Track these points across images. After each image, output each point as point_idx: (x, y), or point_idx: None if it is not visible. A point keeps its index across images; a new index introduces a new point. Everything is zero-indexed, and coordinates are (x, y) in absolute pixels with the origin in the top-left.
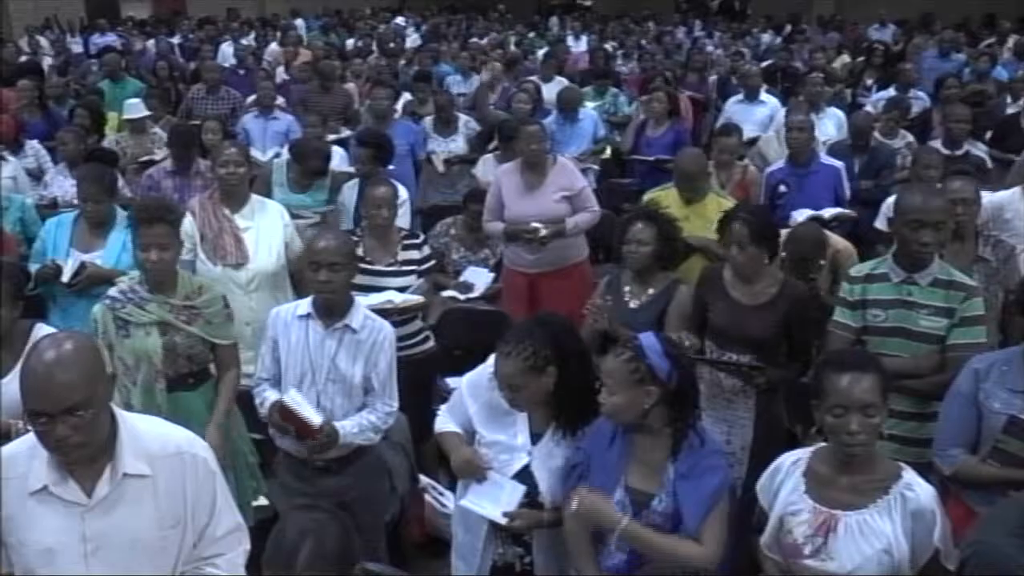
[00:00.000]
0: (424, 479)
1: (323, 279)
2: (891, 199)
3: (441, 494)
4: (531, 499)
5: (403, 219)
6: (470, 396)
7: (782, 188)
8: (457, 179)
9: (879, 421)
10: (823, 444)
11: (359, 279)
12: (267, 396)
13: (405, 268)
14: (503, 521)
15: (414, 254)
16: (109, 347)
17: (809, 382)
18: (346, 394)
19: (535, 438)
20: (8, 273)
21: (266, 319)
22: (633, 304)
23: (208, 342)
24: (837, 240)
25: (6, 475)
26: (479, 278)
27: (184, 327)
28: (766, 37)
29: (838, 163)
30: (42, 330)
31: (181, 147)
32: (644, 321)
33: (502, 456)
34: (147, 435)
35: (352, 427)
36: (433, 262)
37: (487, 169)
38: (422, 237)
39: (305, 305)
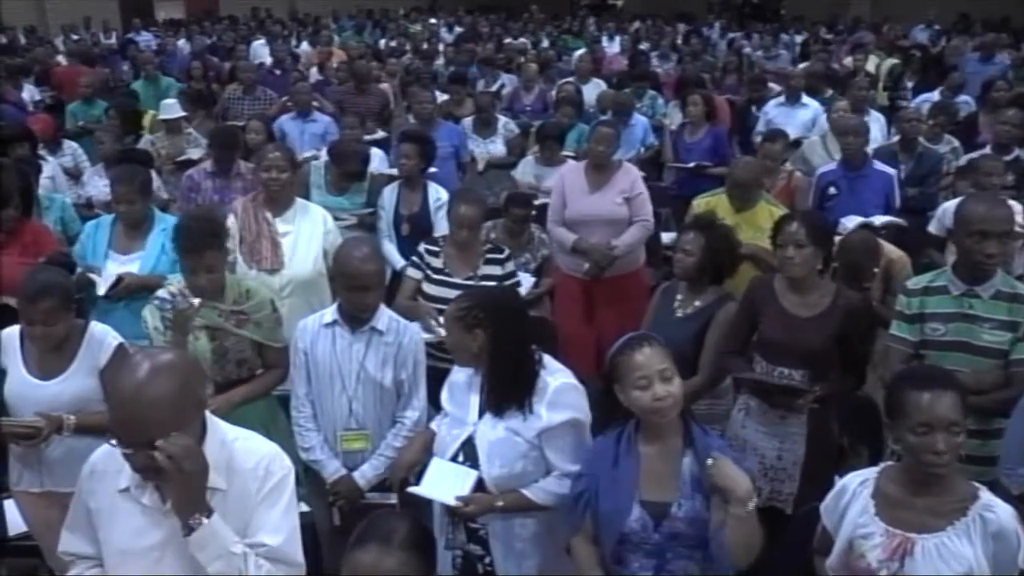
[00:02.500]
0: None
1: (358, 302)
2: (947, 204)
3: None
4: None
5: (443, 221)
6: (452, 375)
7: (832, 190)
8: (495, 182)
9: (963, 440)
10: (889, 464)
11: (435, 290)
12: (314, 445)
13: (484, 283)
14: (455, 504)
15: (495, 270)
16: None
17: (855, 397)
18: (377, 398)
19: (483, 413)
20: (57, 287)
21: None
22: (680, 314)
23: (257, 346)
24: (891, 249)
25: (104, 468)
26: (520, 283)
27: (234, 331)
28: (799, 38)
29: (891, 170)
30: (95, 329)
31: (223, 148)
32: (685, 333)
33: (454, 430)
34: (230, 447)
35: (376, 469)
36: (517, 279)
37: (526, 170)
38: (506, 252)
39: (330, 313)
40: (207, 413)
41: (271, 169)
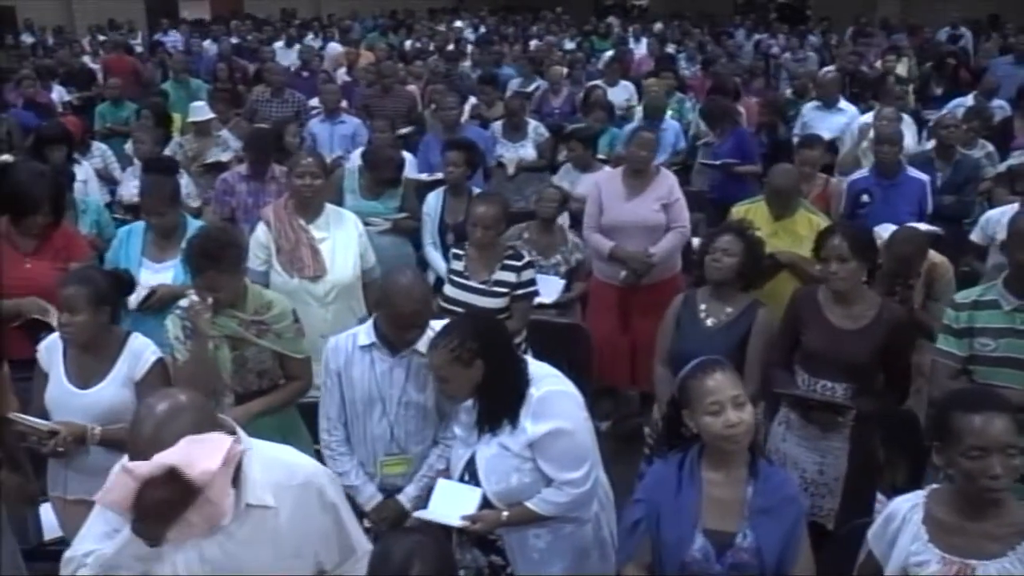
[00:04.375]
0: None
1: (406, 336)
2: (991, 213)
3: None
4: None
5: None
6: None
7: (864, 198)
8: (524, 185)
9: (1019, 461)
10: (937, 487)
11: (452, 292)
12: (349, 470)
13: (496, 289)
14: (461, 525)
15: (510, 277)
16: (181, 355)
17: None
18: (420, 419)
19: (482, 432)
20: (87, 278)
21: (343, 330)
22: (710, 322)
23: (278, 357)
24: (934, 253)
25: None
26: (550, 287)
27: (254, 340)
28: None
29: (924, 176)
30: (136, 341)
31: (258, 152)
32: (724, 344)
33: (460, 450)
34: (275, 464)
35: (420, 491)
36: (532, 289)
37: (563, 176)
38: (525, 260)
39: (365, 334)
40: (240, 431)
41: (304, 176)
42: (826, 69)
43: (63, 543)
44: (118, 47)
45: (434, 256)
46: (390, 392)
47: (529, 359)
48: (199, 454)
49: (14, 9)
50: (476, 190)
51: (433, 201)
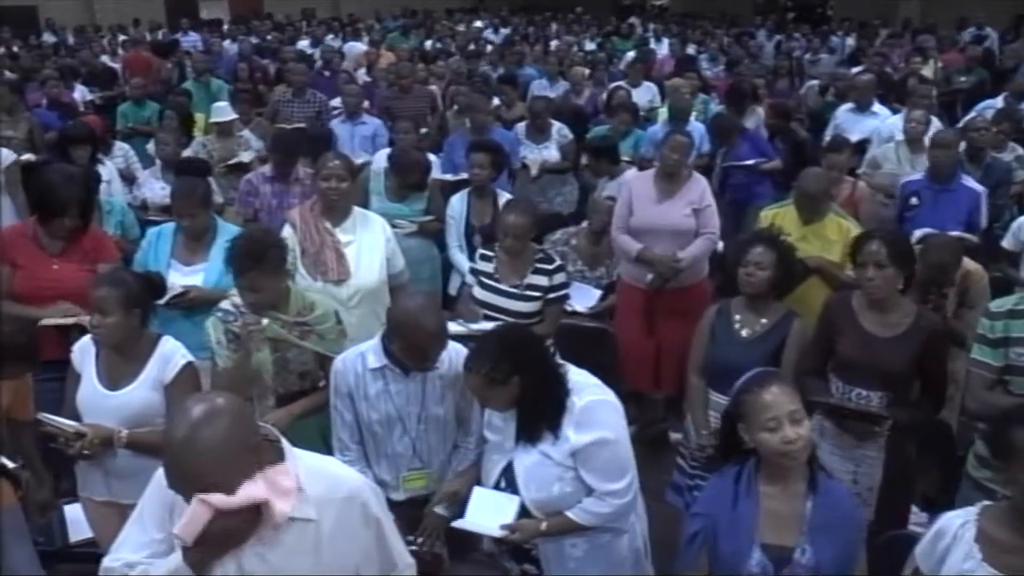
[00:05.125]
0: None
1: (421, 362)
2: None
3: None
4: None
5: None
6: None
7: (914, 200)
8: (548, 187)
9: None
10: (989, 504)
11: (482, 295)
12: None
13: (528, 293)
14: (501, 534)
15: (542, 280)
16: (223, 359)
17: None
18: (441, 432)
19: (520, 439)
20: (118, 280)
21: (367, 335)
22: (745, 333)
23: (320, 358)
24: (968, 261)
25: None
26: (585, 297)
27: (296, 342)
28: (850, 41)
29: (980, 188)
30: (167, 344)
31: (283, 153)
32: (759, 355)
33: (494, 456)
34: (318, 475)
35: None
36: (564, 292)
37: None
38: (557, 263)
39: (375, 356)
40: (285, 444)
41: (331, 178)
42: (856, 70)
43: (92, 544)
44: (137, 44)
45: (460, 259)
46: (409, 410)
47: (569, 367)
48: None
49: (36, 9)
50: (500, 192)
51: (458, 204)
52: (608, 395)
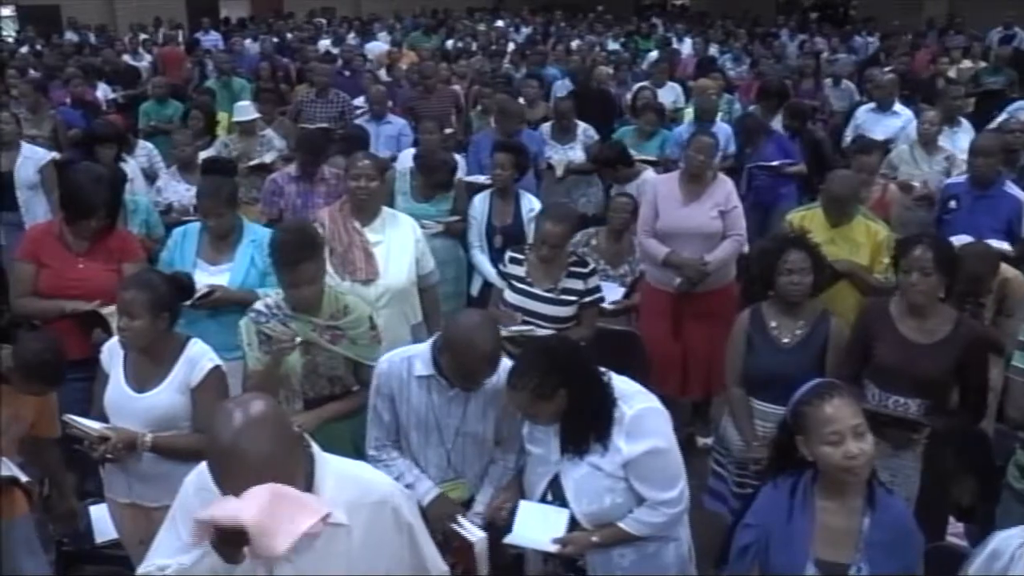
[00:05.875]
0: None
1: (473, 383)
2: None
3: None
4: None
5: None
6: None
7: (952, 204)
8: (573, 189)
9: None
10: None
11: (515, 299)
12: (403, 471)
13: (564, 297)
14: (554, 549)
15: (577, 284)
16: (256, 359)
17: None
18: (478, 447)
19: (565, 451)
20: (147, 283)
21: (395, 335)
22: (785, 339)
23: (351, 363)
24: (1006, 268)
25: (203, 485)
26: (608, 293)
27: (327, 346)
28: (873, 40)
29: (1023, 195)
30: (194, 347)
31: (309, 153)
32: (804, 361)
33: (539, 469)
34: (348, 481)
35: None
36: (599, 295)
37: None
38: (591, 267)
39: (423, 364)
40: (315, 448)
41: (360, 178)
42: (883, 70)
43: (116, 546)
44: (170, 41)
45: (481, 260)
46: (447, 422)
47: (612, 374)
48: (285, 517)
49: (59, 8)
50: (523, 193)
51: (479, 204)
52: (655, 402)
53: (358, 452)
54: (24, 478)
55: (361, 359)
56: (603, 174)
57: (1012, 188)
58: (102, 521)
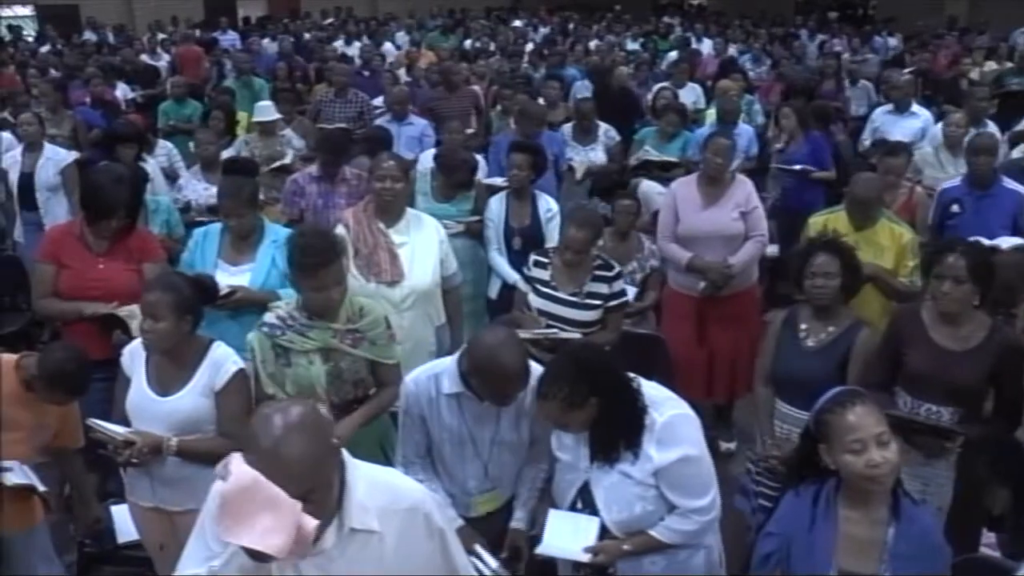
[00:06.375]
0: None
1: (502, 399)
2: None
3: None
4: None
5: (556, 232)
6: None
7: (955, 208)
8: None
9: None
10: None
11: (540, 303)
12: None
13: (589, 301)
14: (586, 558)
15: (602, 288)
16: (270, 375)
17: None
18: (513, 454)
19: (594, 458)
20: (171, 285)
21: (419, 337)
22: (811, 343)
23: (370, 364)
24: None
25: None
26: None
27: (349, 351)
28: (893, 41)
29: (1022, 188)
30: (218, 351)
31: (330, 153)
32: (823, 367)
33: (567, 476)
34: (380, 488)
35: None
36: (625, 298)
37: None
38: (616, 270)
39: (450, 381)
40: (345, 454)
41: (385, 179)
42: (902, 72)
43: (138, 547)
44: (187, 39)
45: (499, 262)
46: (482, 435)
47: (643, 381)
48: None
49: (77, 8)
50: (540, 194)
51: (496, 206)
52: (686, 408)
53: (386, 456)
54: (41, 487)
55: (381, 359)
56: (604, 199)
57: (1010, 183)
58: (123, 522)
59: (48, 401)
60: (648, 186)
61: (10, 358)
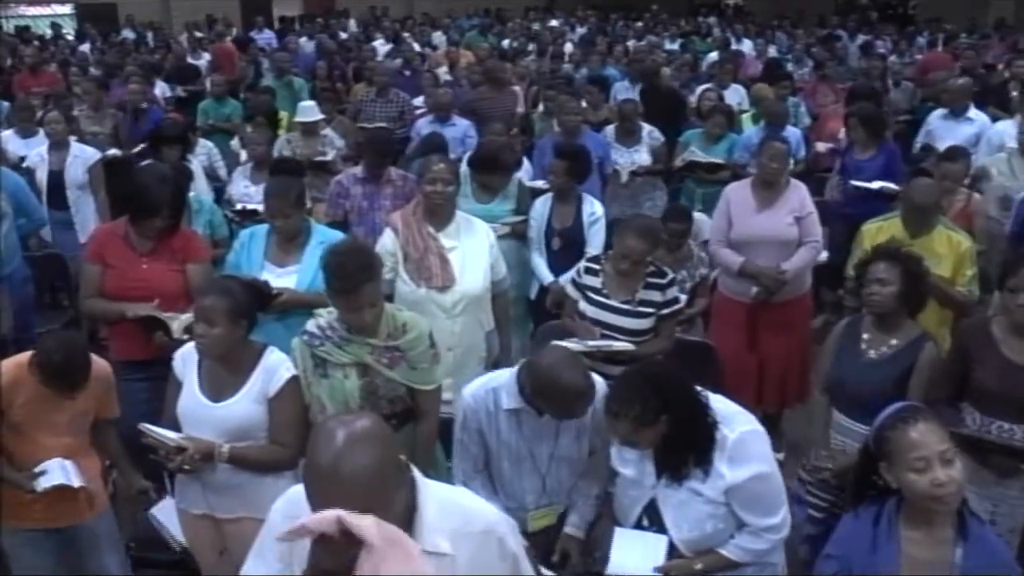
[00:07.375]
0: None
1: (566, 416)
2: None
3: None
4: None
5: (597, 236)
6: None
7: None
8: (639, 193)
9: None
10: None
11: (592, 311)
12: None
13: (641, 309)
14: None
15: (655, 296)
16: (307, 385)
17: None
18: (571, 468)
19: (660, 474)
20: (226, 290)
21: (470, 343)
22: (872, 354)
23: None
24: None
25: (291, 513)
26: None
27: (385, 372)
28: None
29: None
30: (271, 357)
31: (376, 155)
32: (882, 379)
33: (632, 492)
34: (452, 509)
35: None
36: (678, 306)
37: None
38: (670, 277)
39: (509, 396)
40: (417, 474)
41: (436, 182)
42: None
43: (184, 553)
44: (222, 37)
45: (538, 262)
46: (540, 450)
47: (710, 395)
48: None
49: (116, 7)
50: (586, 196)
51: (540, 206)
52: (756, 424)
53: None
54: (78, 483)
55: (418, 386)
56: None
57: None
58: (170, 522)
59: (59, 395)
60: (701, 217)
61: (21, 360)
